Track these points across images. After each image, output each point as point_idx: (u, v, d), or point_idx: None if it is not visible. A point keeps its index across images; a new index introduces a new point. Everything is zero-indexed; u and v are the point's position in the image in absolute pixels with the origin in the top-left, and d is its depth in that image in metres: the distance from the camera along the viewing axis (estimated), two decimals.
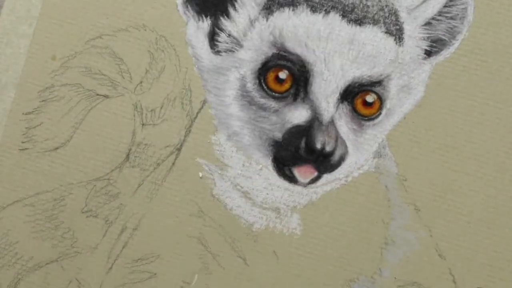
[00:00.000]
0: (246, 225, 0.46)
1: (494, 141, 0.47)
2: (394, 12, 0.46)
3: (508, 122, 0.46)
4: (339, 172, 0.46)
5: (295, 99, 0.45)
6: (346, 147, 0.45)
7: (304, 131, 0.44)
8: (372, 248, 0.47)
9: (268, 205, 0.47)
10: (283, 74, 0.45)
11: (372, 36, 0.46)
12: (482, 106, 0.46)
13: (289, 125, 0.45)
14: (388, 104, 0.47)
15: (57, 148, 0.47)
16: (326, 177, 0.46)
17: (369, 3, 0.46)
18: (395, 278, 0.47)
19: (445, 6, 0.47)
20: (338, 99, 0.45)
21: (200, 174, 0.47)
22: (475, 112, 0.46)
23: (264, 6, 0.46)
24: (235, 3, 0.47)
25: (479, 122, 0.46)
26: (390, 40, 0.46)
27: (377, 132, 0.47)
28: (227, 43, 0.46)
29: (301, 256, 0.46)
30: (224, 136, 0.47)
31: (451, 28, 0.47)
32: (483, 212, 0.46)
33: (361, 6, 0.46)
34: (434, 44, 0.47)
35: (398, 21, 0.46)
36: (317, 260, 0.46)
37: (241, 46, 0.46)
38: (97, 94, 0.48)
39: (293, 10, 0.46)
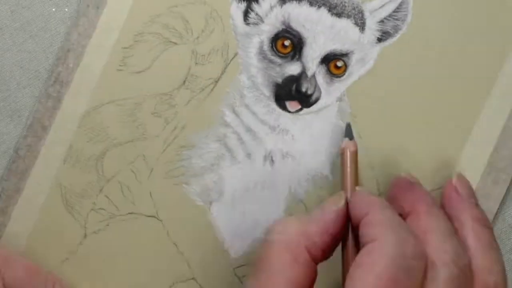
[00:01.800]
0: None
1: (415, 99, 0.63)
2: (361, 12, 0.63)
3: (424, 89, 0.63)
4: (314, 107, 0.64)
5: (292, 59, 0.62)
6: (320, 92, 0.63)
7: (296, 79, 0.62)
8: (329, 159, 0.64)
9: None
10: (287, 42, 0.62)
11: (345, 25, 0.62)
12: (409, 76, 0.63)
13: (286, 75, 0.63)
14: (350, 69, 0.63)
15: (140, 72, 0.63)
16: (305, 110, 0.63)
17: (346, 4, 0.62)
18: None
19: (394, 11, 0.63)
20: (319, 62, 0.62)
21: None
22: (405, 79, 0.63)
23: None
24: None
25: (406, 86, 0.63)
26: (356, 29, 0.63)
27: (341, 85, 0.63)
28: (254, 19, 0.63)
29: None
30: (245, 77, 0.64)
31: (396, 26, 0.63)
32: (402, 143, 0.63)
33: (341, 5, 0.62)
34: (383, 35, 0.63)
35: (363, 17, 0.63)
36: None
37: (263, 21, 0.63)
38: (170, 41, 0.63)
39: (298, 3, 0.62)
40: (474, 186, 0.63)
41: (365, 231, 0.53)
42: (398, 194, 0.59)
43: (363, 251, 0.52)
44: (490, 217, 0.63)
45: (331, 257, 0.57)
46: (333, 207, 0.56)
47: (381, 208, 0.55)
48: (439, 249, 0.53)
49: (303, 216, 0.57)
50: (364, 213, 0.54)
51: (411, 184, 0.59)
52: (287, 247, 0.54)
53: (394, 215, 0.54)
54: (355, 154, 0.60)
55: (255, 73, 0.64)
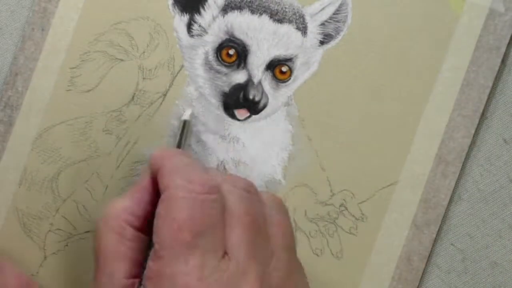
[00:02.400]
0: None
1: (360, 99, 0.64)
2: (302, 16, 0.64)
3: (369, 88, 0.64)
4: (263, 113, 0.64)
5: (238, 67, 0.63)
6: (268, 98, 0.63)
7: (243, 87, 0.63)
8: (281, 164, 0.65)
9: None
10: (231, 51, 0.63)
11: (287, 31, 0.63)
12: (353, 77, 0.64)
13: (233, 83, 0.63)
14: (295, 73, 0.64)
15: (89, 91, 0.64)
16: (254, 117, 0.64)
17: (286, 10, 0.63)
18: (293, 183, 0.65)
19: (334, 14, 0.64)
20: (264, 68, 0.63)
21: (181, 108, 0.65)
22: (349, 79, 0.64)
23: (222, 8, 0.63)
24: (204, 6, 0.63)
25: (350, 86, 0.64)
26: (298, 33, 0.63)
27: (288, 90, 0.64)
28: (198, 30, 0.64)
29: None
30: (193, 88, 0.64)
31: (337, 28, 0.64)
32: (351, 143, 0.64)
33: (282, 11, 0.63)
34: (326, 37, 0.64)
35: (304, 21, 0.64)
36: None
37: (206, 32, 0.63)
38: (116, 58, 0.64)
39: (239, 12, 0.63)
40: (424, 180, 0.64)
41: (160, 184, 0.53)
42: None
43: (159, 203, 0.52)
44: (440, 211, 0.64)
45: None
46: (144, 176, 0.56)
47: (171, 157, 0.55)
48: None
49: (126, 193, 0.57)
50: (160, 167, 0.54)
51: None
52: (110, 227, 0.54)
53: (182, 159, 0.55)
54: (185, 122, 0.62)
55: (202, 84, 0.64)
